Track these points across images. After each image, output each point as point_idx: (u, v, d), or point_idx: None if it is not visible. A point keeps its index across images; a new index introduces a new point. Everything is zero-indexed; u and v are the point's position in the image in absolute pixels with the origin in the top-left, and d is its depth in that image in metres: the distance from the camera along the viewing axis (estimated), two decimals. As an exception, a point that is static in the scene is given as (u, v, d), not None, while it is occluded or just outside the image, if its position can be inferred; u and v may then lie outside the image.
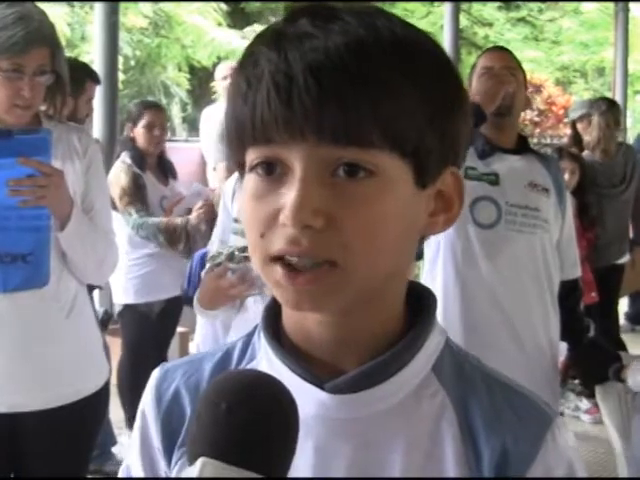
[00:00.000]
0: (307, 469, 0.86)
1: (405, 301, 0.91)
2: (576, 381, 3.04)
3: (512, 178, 2.67)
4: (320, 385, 0.86)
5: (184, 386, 0.94)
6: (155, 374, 0.97)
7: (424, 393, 0.88)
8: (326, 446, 0.87)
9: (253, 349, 0.94)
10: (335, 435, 0.87)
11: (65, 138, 2.29)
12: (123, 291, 4.57)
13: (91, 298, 4.15)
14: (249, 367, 0.92)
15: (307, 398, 0.84)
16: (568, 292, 2.77)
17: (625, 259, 5.18)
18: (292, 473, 0.77)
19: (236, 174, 2.52)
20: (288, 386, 0.77)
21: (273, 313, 0.92)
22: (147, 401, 0.96)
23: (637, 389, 2.91)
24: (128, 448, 1.00)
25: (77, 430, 2.34)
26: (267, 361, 0.90)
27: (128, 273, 4.39)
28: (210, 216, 4.31)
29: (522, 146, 2.80)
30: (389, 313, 0.89)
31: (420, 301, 0.92)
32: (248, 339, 0.96)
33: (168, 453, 0.93)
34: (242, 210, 0.85)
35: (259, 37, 0.83)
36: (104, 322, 4.66)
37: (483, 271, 2.59)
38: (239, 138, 0.82)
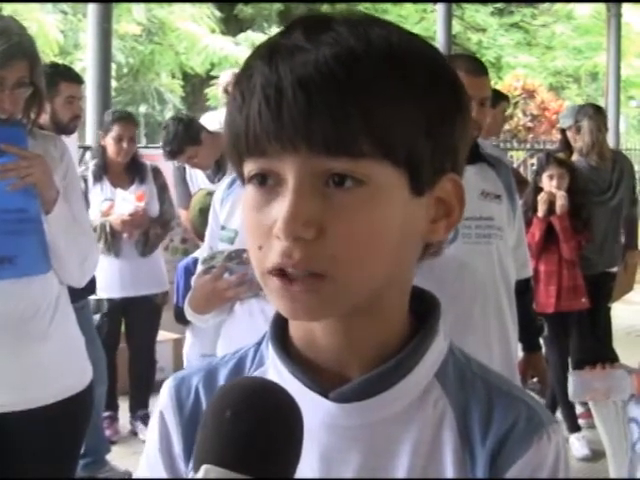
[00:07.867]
0: (313, 477, 0.86)
1: (410, 307, 0.91)
2: (535, 379, 3.08)
3: (465, 191, 2.63)
4: (325, 394, 0.86)
5: (204, 394, 0.94)
6: (170, 383, 0.96)
7: (427, 400, 0.88)
8: (331, 454, 0.87)
9: (261, 356, 0.94)
10: (340, 443, 0.87)
11: (42, 149, 2.32)
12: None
13: (88, 304, 4.17)
14: (257, 373, 0.93)
15: (312, 406, 0.84)
16: (520, 292, 2.77)
17: (617, 267, 5.15)
18: None
19: (226, 181, 2.52)
20: (294, 394, 0.77)
21: (281, 322, 0.92)
22: (166, 408, 0.95)
23: (573, 399, 2.95)
24: (142, 451, 0.98)
25: (63, 429, 2.36)
26: (274, 369, 0.91)
27: None
28: (138, 222, 4.54)
29: (475, 154, 2.75)
30: (392, 320, 0.89)
31: (424, 307, 0.92)
32: (258, 347, 0.96)
33: (188, 459, 0.92)
34: (243, 221, 0.86)
35: (256, 50, 0.84)
36: None
37: (448, 286, 2.58)
38: (236, 150, 0.83)
